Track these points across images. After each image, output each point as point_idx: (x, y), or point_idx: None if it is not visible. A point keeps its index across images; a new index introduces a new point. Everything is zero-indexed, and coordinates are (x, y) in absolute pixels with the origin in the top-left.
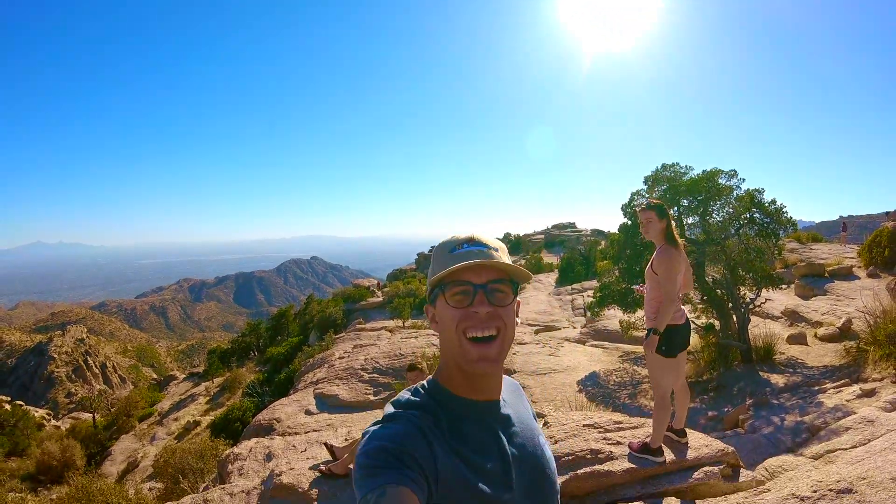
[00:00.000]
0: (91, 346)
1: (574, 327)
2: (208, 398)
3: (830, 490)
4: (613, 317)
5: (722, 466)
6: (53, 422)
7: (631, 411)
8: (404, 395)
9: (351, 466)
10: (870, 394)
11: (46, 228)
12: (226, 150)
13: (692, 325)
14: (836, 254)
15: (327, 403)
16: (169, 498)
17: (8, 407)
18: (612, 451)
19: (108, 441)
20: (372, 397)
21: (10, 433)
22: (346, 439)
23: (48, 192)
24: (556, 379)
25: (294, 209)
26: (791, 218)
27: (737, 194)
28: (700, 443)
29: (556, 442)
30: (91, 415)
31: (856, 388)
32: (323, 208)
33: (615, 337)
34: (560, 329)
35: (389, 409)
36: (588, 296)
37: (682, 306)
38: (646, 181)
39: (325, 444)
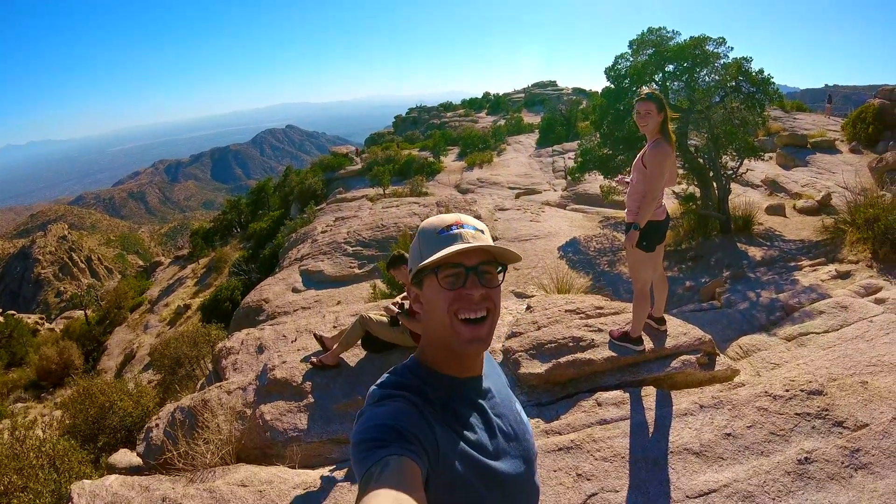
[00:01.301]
0: (74, 241)
1: (555, 190)
2: (196, 280)
3: (802, 391)
4: (594, 181)
5: (699, 355)
6: (47, 325)
7: (610, 279)
8: (388, 377)
9: (342, 356)
10: (844, 276)
11: (14, 130)
12: (188, 18)
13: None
14: (819, 125)
15: (313, 279)
16: (168, 388)
17: (0, 318)
18: (593, 339)
19: (103, 336)
20: (357, 270)
21: (7, 344)
22: (334, 326)
23: (9, 93)
24: (537, 245)
25: (265, 77)
26: (778, 90)
27: (724, 62)
28: (679, 331)
29: (539, 328)
30: (83, 312)
31: (831, 268)
32: (295, 73)
33: (596, 201)
34: (541, 192)
35: (377, 391)
36: (569, 157)
37: (664, 201)
38: (631, 45)
39: (315, 335)
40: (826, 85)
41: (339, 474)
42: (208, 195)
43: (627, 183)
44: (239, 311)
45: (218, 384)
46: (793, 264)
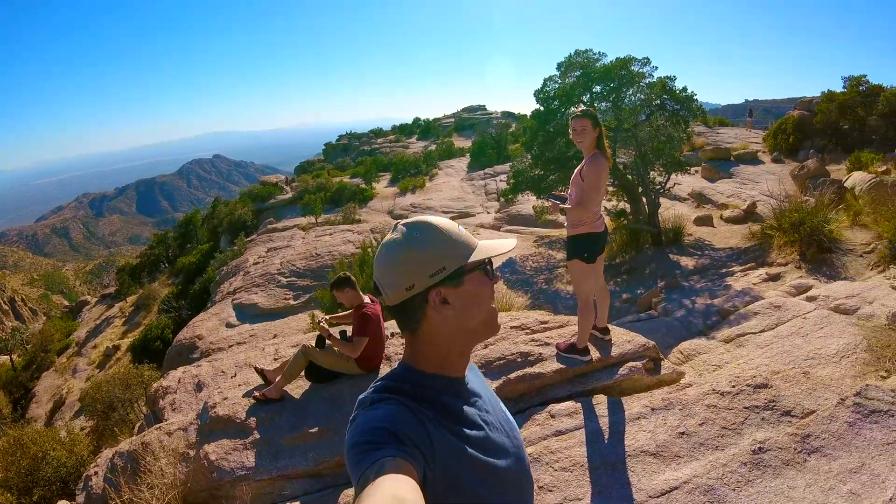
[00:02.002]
0: None
1: (488, 213)
2: (124, 319)
3: (748, 385)
4: (527, 202)
5: (645, 361)
6: None
7: (549, 296)
8: (379, 383)
9: (286, 389)
10: (775, 278)
11: None
12: (112, 47)
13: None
14: (741, 138)
15: (247, 313)
16: (102, 435)
17: None
18: (541, 353)
19: (31, 381)
20: (292, 301)
21: None
22: (275, 359)
23: None
24: None
25: (192, 106)
26: (701, 106)
27: (649, 81)
28: (623, 339)
29: (485, 346)
30: (8, 356)
31: (762, 271)
32: (222, 102)
33: (529, 221)
34: (475, 215)
35: (368, 396)
36: (501, 180)
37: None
38: (559, 67)
39: (256, 369)
40: (746, 100)
41: None
42: (134, 229)
43: (558, 203)
44: (171, 349)
45: (157, 426)
46: (724, 271)
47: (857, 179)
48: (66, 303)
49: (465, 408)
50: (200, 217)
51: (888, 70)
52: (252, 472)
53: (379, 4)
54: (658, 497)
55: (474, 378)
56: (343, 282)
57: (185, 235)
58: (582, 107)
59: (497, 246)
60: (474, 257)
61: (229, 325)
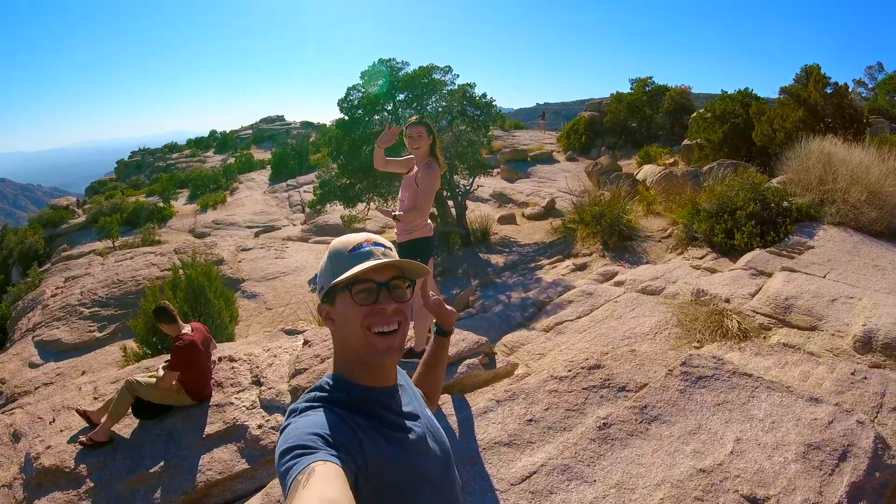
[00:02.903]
0: None
1: (294, 225)
2: None
3: (583, 368)
4: (334, 211)
5: (480, 357)
6: None
7: None
8: (309, 393)
9: (114, 429)
10: (582, 267)
11: None
12: None
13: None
14: (536, 140)
15: (51, 350)
16: None
17: None
18: None
19: None
20: (98, 334)
21: None
22: (95, 398)
23: None
24: (286, 282)
25: None
26: (500, 111)
27: (450, 89)
28: (457, 338)
29: (322, 361)
30: None
31: (569, 262)
32: (3, 119)
33: (337, 231)
34: (281, 228)
35: (298, 405)
36: (305, 191)
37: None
38: (363, 76)
39: (78, 411)
40: (538, 103)
41: None
42: None
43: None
44: None
45: None
46: (533, 265)
47: (647, 172)
48: None
49: (395, 416)
50: None
51: (672, 71)
52: None
53: (166, 9)
54: (520, 483)
55: (405, 387)
56: (156, 315)
57: None
58: (416, 116)
59: (361, 265)
60: (341, 278)
61: (33, 365)
